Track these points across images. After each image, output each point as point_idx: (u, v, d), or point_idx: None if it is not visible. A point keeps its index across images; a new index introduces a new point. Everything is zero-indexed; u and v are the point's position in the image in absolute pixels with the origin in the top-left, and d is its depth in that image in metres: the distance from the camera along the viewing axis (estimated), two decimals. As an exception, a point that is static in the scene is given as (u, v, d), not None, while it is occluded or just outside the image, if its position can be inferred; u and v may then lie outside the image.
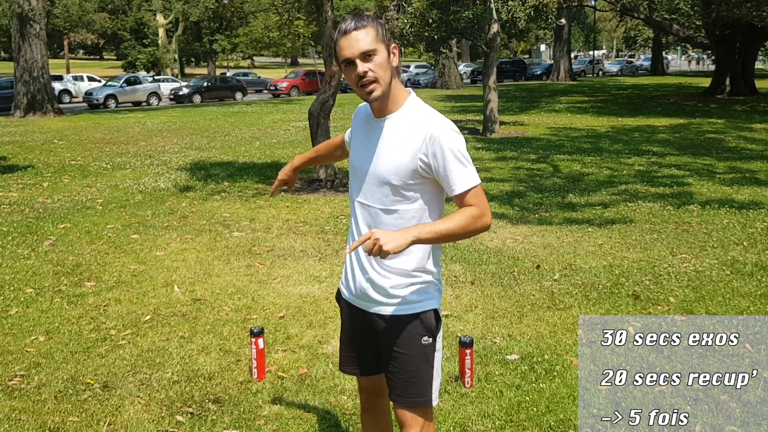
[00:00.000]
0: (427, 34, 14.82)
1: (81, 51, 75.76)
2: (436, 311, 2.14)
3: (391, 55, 1.96)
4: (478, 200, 1.97)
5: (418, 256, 2.06)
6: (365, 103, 2.06)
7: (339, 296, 2.29)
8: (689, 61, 61.70)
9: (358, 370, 2.28)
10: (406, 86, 2.06)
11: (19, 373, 3.70)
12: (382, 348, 2.13)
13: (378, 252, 1.84)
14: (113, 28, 56.95)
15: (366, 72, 1.89)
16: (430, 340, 2.09)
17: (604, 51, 59.20)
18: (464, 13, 14.24)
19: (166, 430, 3.13)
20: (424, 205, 2.02)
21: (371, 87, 1.91)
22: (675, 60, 59.76)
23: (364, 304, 2.12)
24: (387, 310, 2.07)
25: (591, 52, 54.05)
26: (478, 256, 5.75)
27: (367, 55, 1.90)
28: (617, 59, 68.16)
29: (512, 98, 27.02)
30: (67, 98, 31.86)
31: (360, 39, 1.89)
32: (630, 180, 9.20)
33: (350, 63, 1.91)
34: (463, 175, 1.96)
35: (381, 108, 2.00)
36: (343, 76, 2.12)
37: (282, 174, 2.48)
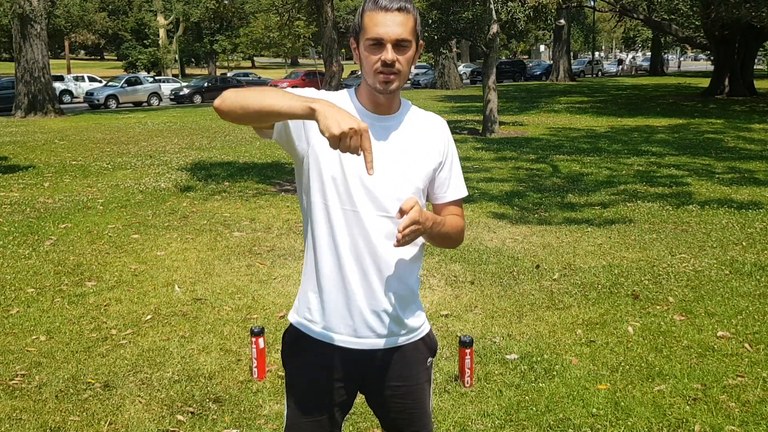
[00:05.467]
0: (426, 34, 14.83)
1: (82, 51, 75.85)
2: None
3: (417, 52, 1.71)
4: (463, 212, 1.87)
5: (418, 268, 1.82)
6: (344, 92, 1.76)
7: (300, 340, 1.78)
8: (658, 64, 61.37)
9: None
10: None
11: (20, 373, 3.72)
12: (375, 388, 1.82)
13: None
14: (114, 29, 57.02)
15: (395, 62, 1.62)
16: (432, 359, 1.87)
17: (640, 54, 56.40)
18: (464, 14, 14.27)
19: (167, 429, 3.14)
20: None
21: (392, 78, 1.64)
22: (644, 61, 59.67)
23: (362, 342, 1.74)
24: (396, 342, 1.77)
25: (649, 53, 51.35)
26: (477, 256, 5.76)
27: (401, 44, 1.63)
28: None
29: (512, 98, 27.04)
30: (68, 98, 31.92)
31: (400, 23, 1.61)
32: (629, 180, 9.22)
33: (378, 44, 1.62)
34: (462, 180, 1.85)
35: (390, 105, 1.73)
36: (358, 56, 1.70)
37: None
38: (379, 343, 1.74)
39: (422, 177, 1.73)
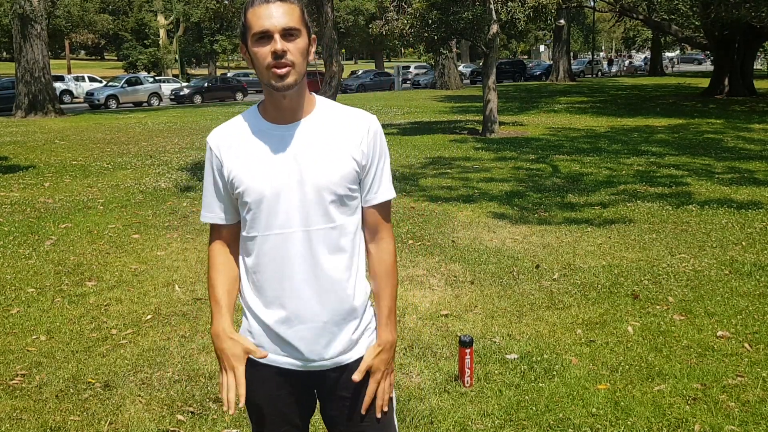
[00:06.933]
0: (426, 34, 14.84)
1: (82, 51, 75.90)
2: None
3: (311, 46, 1.62)
4: (390, 218, 1.78)
5: (365, 283, 1.75)
6: (231, 123, 1.72)
7: (248, 369, 1.70)
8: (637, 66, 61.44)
9: None
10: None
11: (20, 373, 3.72)
12: (328, 401, 1.77)
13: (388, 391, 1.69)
14: (114, 29, 57.04)
15: (285, 52, 1.54)
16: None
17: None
18: (464, 14, 14.27)
19: (167, 429, 3.15)
20: (360, 214, 1.73)
21: (286, 70, 1.55)
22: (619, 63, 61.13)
23: (308, 365, 1.71)
24: (344, 360, 1.72)
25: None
26: (477, 256, 5.77)
27: (289, 34, 1.55)
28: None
29: (511, 99, 27.04)
30: (68, 98, 31.94)
31: (285, 12, 1.55)
32: (629, 180, 9.22)
33: (265, 37, 1.55)
34: (390, 183, 1.75)
35: (294, 109, 1.65)
36: (249, 58, 1.63)
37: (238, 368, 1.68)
38: (326, 365, 1.70)
39: (340, 182, 1.63)
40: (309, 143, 1.64)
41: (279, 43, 1.54)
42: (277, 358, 1.70)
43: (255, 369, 1.72)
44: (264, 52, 1.56)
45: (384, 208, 1.74)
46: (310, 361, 1.69)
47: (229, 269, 1.76)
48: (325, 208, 1.63)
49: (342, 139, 1.65)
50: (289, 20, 1.55)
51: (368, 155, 1.68)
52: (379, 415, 1.66)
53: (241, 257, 1.75)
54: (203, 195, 1.76)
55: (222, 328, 1.69)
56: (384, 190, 1.73)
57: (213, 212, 1.75)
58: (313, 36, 1.65)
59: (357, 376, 1.68)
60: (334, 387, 1.73)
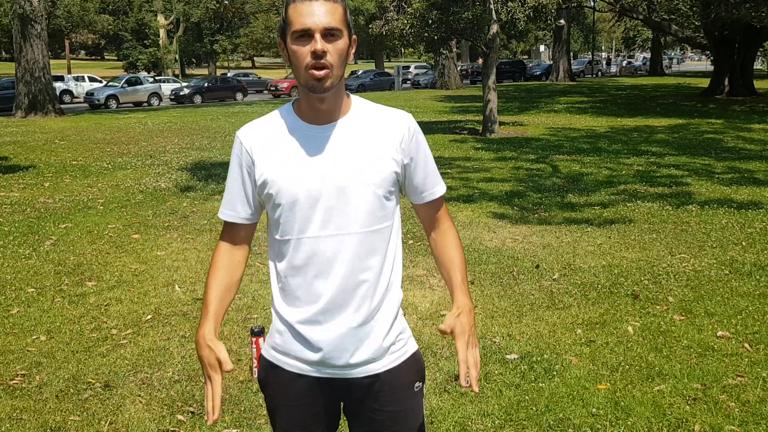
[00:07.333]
0: (427, 34, 14.85)
1: (82, 51, 75.95)
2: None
3: (351, 48, 1.57)
4: (446, 207, 1.78)
5: (399, 290, 1.71)
6: (265, 120, 1.66)
7: (274, 370, 1.68)
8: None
9: None
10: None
11: (20, 373, 3.72)
12: (355, 414, 1.70)
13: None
14: (114, 29, 57.08)
15: (325, 52, 1.49)
16: (421, 384, 1.72)
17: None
18: (464, 14, 14.27)
19: (167, 429, 3.14)
20: (398, 217, 1.70)
21: (325, 72, 1.49)
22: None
23: (335, 372, 1.64)
24: (373, 369, 1.64)
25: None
26: (477, 256, 5.77)
27: (330, 34, 1.50)
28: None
29: (512, 98, 27.05)
30: (68, 98, 31.94)
31: (327, 11, 1.49)
32: (629, 180, 9.22)
33: (306, 36, 1.50)
34: (439, 175, 1.74)
35: (332, 111, 1.59)
36: (287, 56, 1.57)
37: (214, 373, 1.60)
38: (353, 373, 1.63)
39: (381, 184, 1.59)
40: (347, 145, 1.59)
41: (319, 43, 1.49)
42: (303, 366, 1.64)
43: (279, 374, 1.66)
44: (304, 51, 1.50)
45: (440, 201, 1.76)
46: (336, 367, 1.62)
47: (230, 274, 1.71)
48: (362, 212, 1.58)
49: (381, 141, 1.61)
50: (331, 19, 1.49)
51: (411, 154, 1.65)
52: (476, 390, 1.58)
53: (270, 261, 1.70)
54: (226, 191, 1.70)
55: (202, 335, 1.61)
56: (439, 186, 1.74)
57: (234, 210, 1.69)
58: (354, 37, 1.59)
59: (444, 328, 1.59)
60: (363, 398, 1.65)
